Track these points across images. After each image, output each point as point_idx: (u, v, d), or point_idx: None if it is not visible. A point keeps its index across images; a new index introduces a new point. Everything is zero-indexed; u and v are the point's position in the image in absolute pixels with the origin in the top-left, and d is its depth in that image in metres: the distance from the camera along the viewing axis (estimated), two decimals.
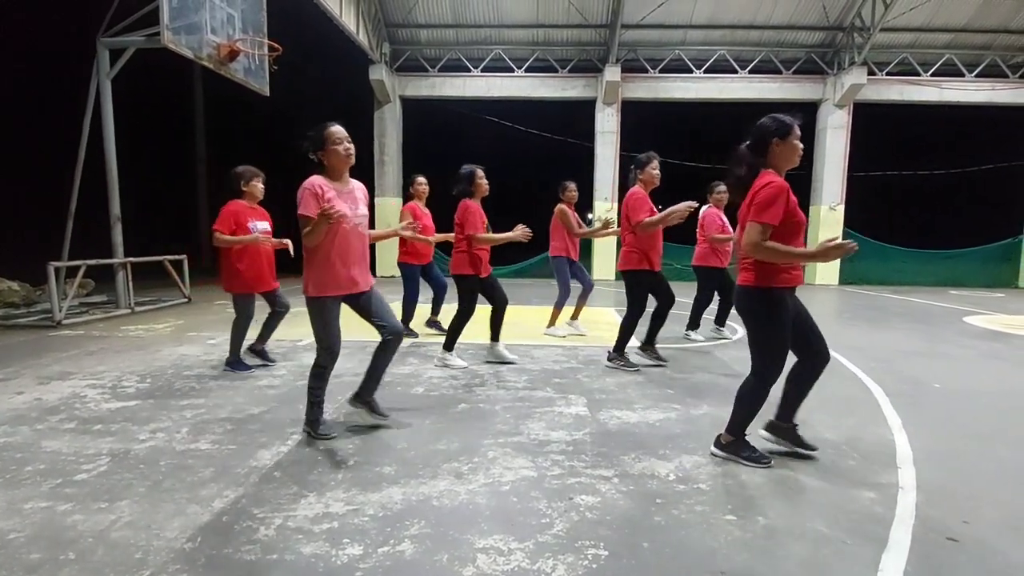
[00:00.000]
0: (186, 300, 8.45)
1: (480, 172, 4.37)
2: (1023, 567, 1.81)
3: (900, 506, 2.21)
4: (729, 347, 5.43)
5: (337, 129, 2.80)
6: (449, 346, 4.48)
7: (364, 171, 12.76)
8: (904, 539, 1.96)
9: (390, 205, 13.49)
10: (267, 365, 4.48)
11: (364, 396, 3.08)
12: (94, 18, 7.15)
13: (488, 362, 4.61)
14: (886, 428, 3.12)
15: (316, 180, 2.75)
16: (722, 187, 5.63)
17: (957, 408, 3.58)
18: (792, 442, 2.71)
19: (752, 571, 1.78)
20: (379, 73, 12.97)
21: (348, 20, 11.18)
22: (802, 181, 13.35)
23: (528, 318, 6.69)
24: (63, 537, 1.92)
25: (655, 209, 4.29)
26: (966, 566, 1.82)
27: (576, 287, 5.86)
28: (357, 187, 2.92)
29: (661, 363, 4.59)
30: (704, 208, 5.69)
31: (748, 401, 2.60)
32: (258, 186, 4.25)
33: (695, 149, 14.78)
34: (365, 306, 2.95)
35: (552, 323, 5.91)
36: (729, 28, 12.95)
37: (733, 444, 2.66)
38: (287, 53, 8.35)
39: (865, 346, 5.46)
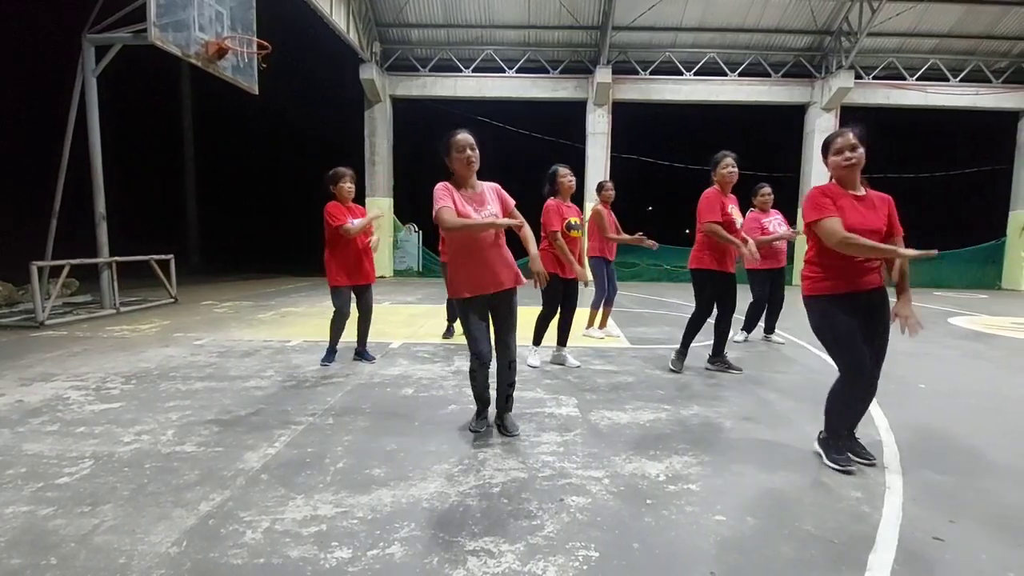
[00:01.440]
0: (172, 300, 8.35)
1: (562, 171, 4.41)
2: (1008, 565, 1.84)
3: (887, 506, 2.23)
4: (731, 346, 5.45)
5: (461, 138, 2.79)
6: (537, 341, 4.60)
7: (355, 171, 12.66)
8: (891, 538, 1.98)
9: (380, 205, 13.43)
10: (370, 361, 4.66)
11: (495, 419, 3.11)
12: (80, 14, 7.04)
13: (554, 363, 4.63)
14: (873, 428, 3.15)
15: (445, 184, 2.81)
16: (767, 189, 5.59)
17: (942, 408, 3.62)
18: (848, 450, 2.70)
19: (741, 571, 1.79)
20: (369, 72, 12.91)
21: (338, 19, 11.11)
22: (791, 184, 13.48)
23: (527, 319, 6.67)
24: (45, 542, 1.89)
25: (729, 212, 4.18)
26: (952, 564, 1.84)
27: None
28: (487, 188, 2.92)
29: (735, 370, 4.46)
30: (748, 211, 5.58)
31: (830, 401, 2.66)
32: (344, 187, 4.30)
33: (685, 151, 14.87)
34: (495, 310, 2.92)
35: (591, 324, 5.94)
36: (719, 31, 13.05)
37: (823, 441, 2.72)
38: (276, 51, 8.28)
39: None
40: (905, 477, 2.50)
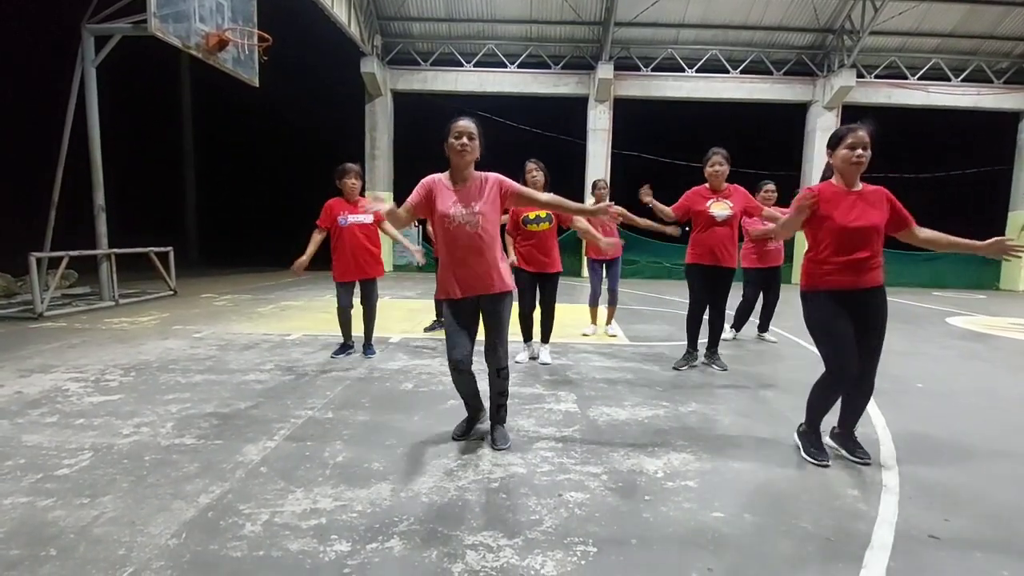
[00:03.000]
0: (172, 293, 8.34)
1: (528, 165, 4.36)
2: (1003, 564, 1.85)
3: (883, 504, 2.24)
4: (721, 346, 5.45)
5: (461, 123, 2.60)
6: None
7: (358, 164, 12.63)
8: (887, 537, 1.99)
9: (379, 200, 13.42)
10: (368, 355, 4.65)
11: (484, 426, 2.94)
12: (79, 4, 7.00)
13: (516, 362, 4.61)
14: (870, 427, 3.17)
15: (435, 177, 2.67)
16: (771, 186, 5.49)
17: (939, 407, 3.64)
18: (844, 448, 2.73)
19: (738, 568, 1.80)
20: (370, 66, 12.87)
21: (340, 11, 11.06)
22: (791, 182, 13.47)
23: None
24: (44, 533, 1.89)
25: (707, 207, 4.24)
26: (947, 562, 1.85)
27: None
28: (486, 183, 2.65)
29: (720, 367, 4.48)
30: None
31: (812, 393, 2.70)
32: (347, 182, 4.36)
33: (686, 148, 14.84)
34: (483, 316, 2.72)
35: (593, 321, 5.92)
36: (721, 28, 13.02)
37: (802, 434, 2.75)
38: (277, 44, 8.25)
39: None
40: (901, 475, 2.51)
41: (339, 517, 2.04)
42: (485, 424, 2.93)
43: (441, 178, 2.66)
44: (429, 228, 4.48)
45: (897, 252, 14.16)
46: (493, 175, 2.70)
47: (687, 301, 4.52)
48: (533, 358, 4.65)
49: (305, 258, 4.26)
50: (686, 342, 4.52)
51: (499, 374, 2.77)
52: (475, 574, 1.72)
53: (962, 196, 17.32)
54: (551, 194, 2.86)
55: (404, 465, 2.51)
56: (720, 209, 4.22)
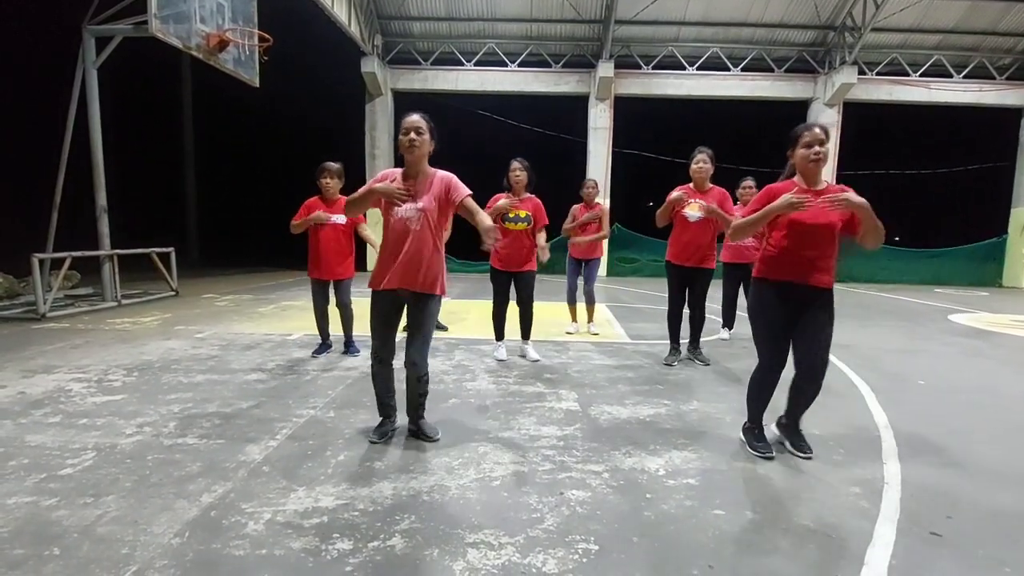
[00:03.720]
0: (174, 293, 8.36)
1: (512, 164, 4.39)
2: (1004, 561, 1.85)
3: (885, 501, 2.24)
4: (720, 344, 5.47)
5: (408, 119, 2.60)
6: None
7: (356, 165, 12.70)
8: (889, 534, 1.99)
9: None
10: (351, 355, 4.65)
11: (408, 426, 2.90)
12: (80, 5, 7.01)
13: (487, 358, 4.64)
14: (872, 424, 3.17)
15: (391, 170, 2.72)
16: (749, 182, 5.57)
17: (941, 404, 3.63)
18: (788, 440, 2.75)
19: (739, 565, 1.80)
20: (371, 65, 12.87)
21: (340, 11, 11.07)
22: None
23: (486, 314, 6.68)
24: (48, 532, 1.90)
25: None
26: (949, 560, 1.85)
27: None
28: (435, 180, 2.62)
29: (702, 362, 4.61)
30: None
31: (749, 389, 2.77)
32: (322, 182, 4.40)
33: (687, 146, 14.83)
34: (409, 314, 2.71)
35: (590, 320, 5.94)
36: (722, 26, 12.99)
37: (747, 430, 2.80)
38: (277, 44, 8.25)
39: (851, 343, 5.52)
40: (903, 473, 2.51)
41: (341, 516, 2.05)
42: (401, 423, 2.90)
43: (395, 172, 2.70)
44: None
45: (898, 250, 14.18)
46: (443, 174, 2.67)
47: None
48: (521, 356, 4.65)
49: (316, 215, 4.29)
50: (668, 339, 4.67)
51: (419, 380, 2.71)
52: (477, 572, 1.73)
53: (964, 193, 17.30)
54: (489, 223, 2.61)
55: (405, 464, 2.52)
56: (692, 210, 4.31)
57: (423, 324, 2.68)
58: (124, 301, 7.35)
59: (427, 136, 2.61)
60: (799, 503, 2.22)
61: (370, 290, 2.70)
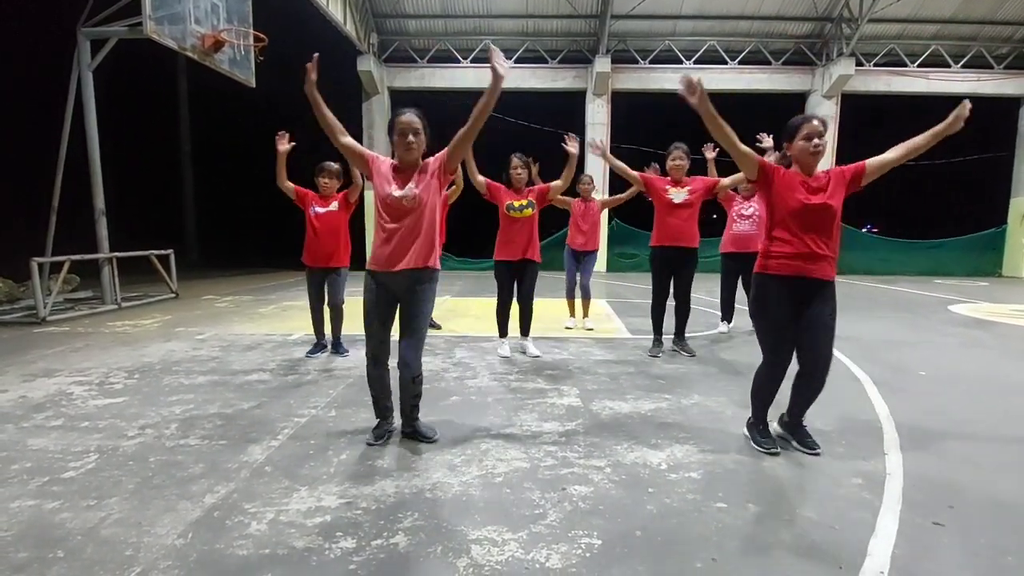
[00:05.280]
0: (173, 295, 8.35)
1: (513, 161, 4.40)
2: (1007, 550, 1.85)
3: (887, 492, 2.24)
4: (722, 339, 5.47)
5: (405, 119, 2.57)
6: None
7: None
8: (891, 524, 2.00)
9: None
10: (341, 355, 4.64)
11: (403, 429, 2.86)
12: (74, 7, 6.98)
13: (487, 355, 4.63)
14: (873, 415, 3.17)
15: (386, 159, 2.70)
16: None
17: (942, 395, 3.63)
18: (793, 437, 2.74)
19: (742, 557, 1.80)
20: (367, 64, 12.84)
21: (335, 10, 11.03)
22: None
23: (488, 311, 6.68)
24: (51, 535, 1.90)
25: (664, 190, 4.51)
26: (951, 549, 1.85)
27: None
28: (424, 167, 2.62)
29: (688, 353, 4.69)
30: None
31: (753, 383, 2.74)
32: (320, 181, 4.43)
33: (684, 140, 14.81)
34: (404, 298, 2.66)
35: (572, 314, 5.97)
36: (718, 19, 12.96)
37: (751, 425, 2.78)
38: (273, 44, 8.22)
39: (852, 335, 5.52)
40: (905, 463, 2.52)
41: (344, 514, 2.05)
42: (396, 425, 2.88)
43: (390, 161, 2.70)
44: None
45: (898, 241, 14.18)
46: (431, 158, 2.67)
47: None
48: (522, 352, 4.66)
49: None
50: (652, 330, 4.75)
51: (413, 381, 2.68)
52: (480, 568, 1.73)
53: (963, 183, 17.29)
54: (471, 129, 2.60)
55: (407, 462, 2.52)
56: (678, 194, 4.46)
57: (415, 318, 2.64)
58: (124, 304, 7.35)
59: (423, 136, 2.61)
60: (801, 495, 2.22)
61: (362, 288, 2.68)
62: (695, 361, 4.48)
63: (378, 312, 2.65)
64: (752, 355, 4.72)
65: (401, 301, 2.66)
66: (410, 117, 2.58)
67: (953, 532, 1.95)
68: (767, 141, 4.22)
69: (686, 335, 4.80)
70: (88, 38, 7.01)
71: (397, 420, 2.89)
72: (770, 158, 2.74)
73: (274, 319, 6.51)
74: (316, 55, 2.65)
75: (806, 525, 1.99)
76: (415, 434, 2.79)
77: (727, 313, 5.75)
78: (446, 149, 2.65)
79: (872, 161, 2.55)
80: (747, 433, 2.81)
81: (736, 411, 3.26)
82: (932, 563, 1.78)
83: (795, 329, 2.56)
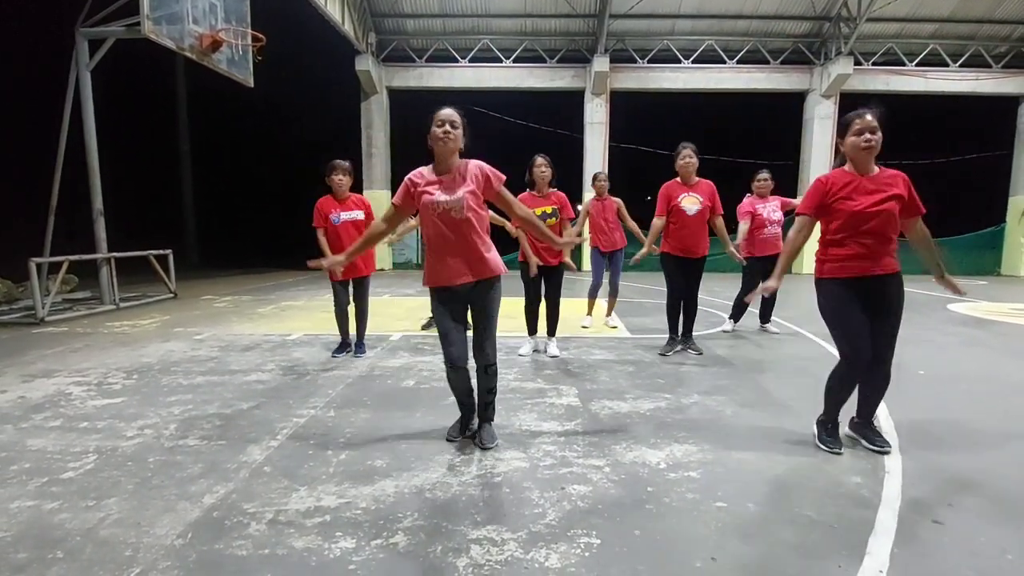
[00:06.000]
0: (172, 296, 8.35)
1: (538, 160, 4.43)
2: (1006, 548, 1.85)
3: (886, 490, 2.25)
4: (721, 338, 5.47)
5: (442, 111, 2.54)
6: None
7: (353, 163, 12.61)
8: (890, 522, 2.00)
9: (377, 197, 13.40)
10: (358, 355, 4.61)
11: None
12: (72, 7, 6.97)
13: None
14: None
15: (418, 170, 2.63)
16: (765, 175, 5.56)
17: (941, 393, 3.64)
18: (863, 438, 2.72)
19: (742, 557, 1.80)
20: (365, 64, 12.83)
21: (333, 10, 11.02)
22: (789, 171, 13.44)
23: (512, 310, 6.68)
24: (51, 536, 1.90)
25: (678, 200, 4.51)
26: (950, 547, 1.86)
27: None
28: (468, 169, 2.58)
29: (695, 351, 4.73)
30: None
31: (828, 382, 2.72)
32: (334, 179, 4.33)
33: (683, 140, 14.81)
34: (471, 308, 2.68)
35: (589, 312, 6.00)
36: (716, 18, 12.95)
37: (820, 423, 2.76)
38: (271, 44, 8.21)
39: None
40: (905, 462, 2.52)
41: (343, 514, 2.05)
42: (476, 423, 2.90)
43: (423, 170, 2.64)
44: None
45: (897, 239, 14.19)
46: (474, 161, 2.64)
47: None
48: (537, 351, 4.68)
49: (331, 256, 4.20)
50: (667, 329, 4.79)
51: (487, 371, 2.69)
52: (479, 568, 1.73)
53: (962, 182, 17.28)
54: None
55: (407, 461, 2.52)
56: (691, 204, 4.48)
57: (491, 311, 2.65)
58: (122, 304, 7.34)
59: (460, 131, 2.57)
60: (801, 494, 2.22)
61: (426, 290, 2.70)
62: (695, 361, 4.48)
63: (451, 318, 2.64)
64: (756, 355, 4.75)
65: (471, 304, 2.67)
66: (449, 110, 2.57)
67: (952, 530, 1.96)
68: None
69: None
70: (86, 38, 7.00)
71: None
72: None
73: (273, 319, 6.51)
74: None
75: (806, 524, 1.99)
76: (475, 435, 2.78)
77: (737, 313, 5.76)
78: (502, 183, 2.64)
79: (920, 223, 2.69)
80: (815, 430, 2.78)
81: (736, 410, 3.27)
82: (931, 562, 1.78)
83: (870, 325, 2.55)
